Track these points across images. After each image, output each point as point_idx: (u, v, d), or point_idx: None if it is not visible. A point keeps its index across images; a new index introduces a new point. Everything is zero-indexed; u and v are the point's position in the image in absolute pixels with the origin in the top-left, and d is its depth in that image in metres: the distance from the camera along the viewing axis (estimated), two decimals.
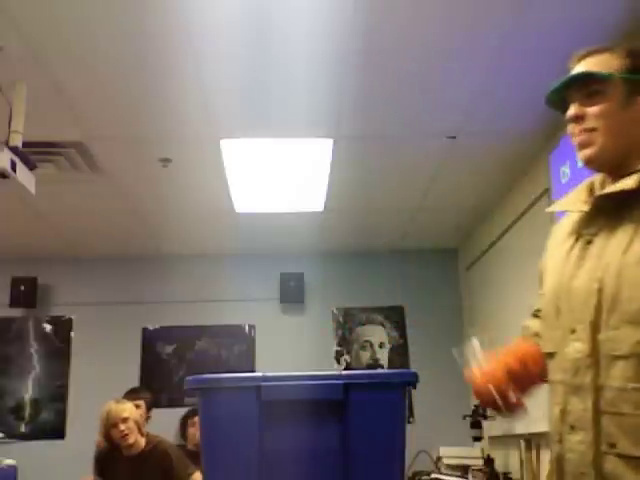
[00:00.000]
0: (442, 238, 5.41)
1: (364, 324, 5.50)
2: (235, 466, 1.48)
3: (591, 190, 1.49)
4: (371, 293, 5.51)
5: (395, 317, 5.50)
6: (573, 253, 1.41)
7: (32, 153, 3.02)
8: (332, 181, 4.17)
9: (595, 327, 1.30)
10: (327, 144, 3.70)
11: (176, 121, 3.42)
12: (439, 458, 4.58)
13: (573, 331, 1.34)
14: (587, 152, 1.40)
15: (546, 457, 3.78)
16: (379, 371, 4.52)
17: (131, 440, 3.58)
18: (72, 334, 5.35)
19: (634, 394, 1.23)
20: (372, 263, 5.56)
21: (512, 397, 1.48)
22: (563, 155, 3.39)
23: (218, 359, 5.34)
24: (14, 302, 5.26)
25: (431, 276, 5.57)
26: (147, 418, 4.40)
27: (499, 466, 4.44)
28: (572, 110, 1.42)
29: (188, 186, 4.21)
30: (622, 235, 1.31)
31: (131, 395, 4.40)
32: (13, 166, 2.62)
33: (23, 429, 5.15)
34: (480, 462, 4.45)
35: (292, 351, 5.22)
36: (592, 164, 1.43)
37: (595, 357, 1.30)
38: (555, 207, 1.58)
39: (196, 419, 4.25)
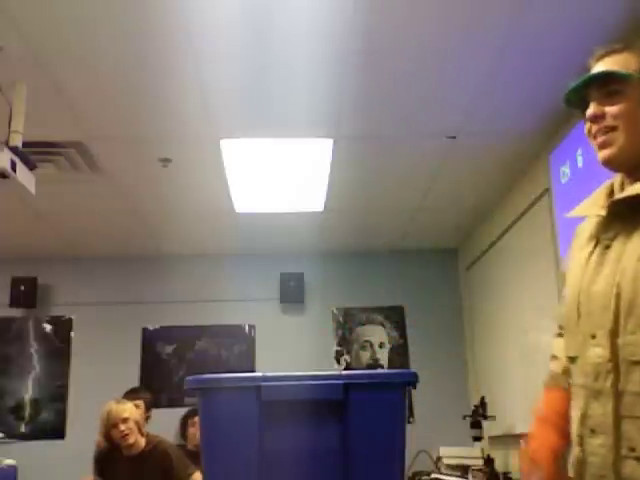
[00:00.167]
0: (442, 238, 5.41)
1: (364, 324, 5.50)
2: (235, 466, 1.48)
3: (610, 193, 1.49)
4: (371, 293, 5.51)
5: (395, 317, 5.50)
6: (592, 258, 1.42)
7: (32, 153, 3.02)
8: (332, 181, 4.17)
9: (614, 332, 1.31)
10: (327, 144, 3.70)
11: (176, 121, 3.42)
12: (439, 458, 4.59)
13: (593, 336, 1.35)
14: (606, 152, 1.40)
15: None
16: (379, 371, 4.52)
17: (131, 440, 3.58)
18: (72, 334, 5.35)
19: None
20: (372, 263, 5.56)
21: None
22: (563, 155, 3.39)
23: (218, 359, 5.34)
24: (14, 302, 5.26)
25: (431, 276, 5.57)
26: (147, 418, 4.40)
27: (499, 466, 4.44)
28: (591, 109, 1.41)
29: (188, 186, 4.21)
30: (638, 240, 1.32)
31: (131, 395, 4.40)
32: (13, 166, 2.62)
33: (23, 429, 5.15)
34: (480, 462, 4.45)
35: (292, 351, 5.22)
36: (611, 164, 1.42)
37: (615, 362, 1.30)
38: (574, 212, 1.57)
39: (196, 419, 4.26)
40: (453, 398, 5.16)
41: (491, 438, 4.76)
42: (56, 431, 5.14)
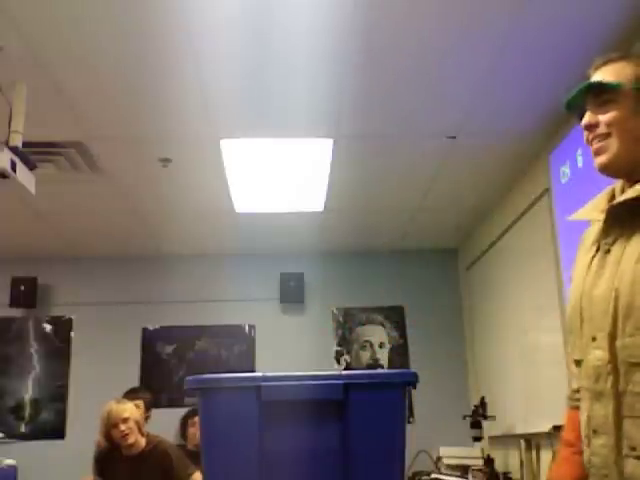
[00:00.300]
0: (442, 238, 5.41)
1: (364, 324, 5.50)
2: (235, 466, 1.48)
3: (611, 198, 1.51)
4: (371, 293, 5.51)
5: (395, 317, 5.50)
6: (594, 263, 1.44)
7: (32, 153, 3.02)
8: (332, 181, 4.17)
9: (613, 335, 1.34)
10: (327, 144, 3.70)
11: (176, 121, 3.42)
12: (439, 458, 4.59)
13: (594, 339, 1.38)
14: (601, 159, 1.43)
15: (546, 457, 3.79)
16: (379, 371, 4.51)
17: (131, 440, 3.58)
18: (72, 334, 5.36)
19: None
20: (372, 263, 5.56)
21: None
22: (563, 155, 3.39)
23: (218, 359, 5.34)
24: (14, 302, 5.26)
25: (431, 276, 5.57)
26: (146, 418, 4.40)
27: (499, 466, 4.44)
28: (586, 118, 1.46)
29: (188, 186, 4.21)
30: (636, 243, 1.34)
31: (130, 395, 4.40)
32: (13, 166, 2.61)
33: (23, 429, 5.15)
34: (480, 462, 4.45)
35: (292, 351, 5.23)
36: (607, 170, 1.45)
37: (614, 364, 1.33)
38: (575, 215, 1.59)
39: (196, 419, 4.26)
40: (453, 398, 5.16)
41: (491, 438, 4.76)
42: (56, 431, 5.14)
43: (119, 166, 3.91)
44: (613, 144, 1.41)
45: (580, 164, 3.19)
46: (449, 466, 4.50)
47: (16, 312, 5.33)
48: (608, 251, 1.41)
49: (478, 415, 4.55)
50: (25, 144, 2.74)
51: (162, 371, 5.30)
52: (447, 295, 5.54)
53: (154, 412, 4.65)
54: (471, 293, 5.31)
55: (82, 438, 4.42)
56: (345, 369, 5.26)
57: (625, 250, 1.36)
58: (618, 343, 1.33)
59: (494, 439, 4.74)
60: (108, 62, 2.90)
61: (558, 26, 2.77)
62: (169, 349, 5.36)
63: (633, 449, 1.29)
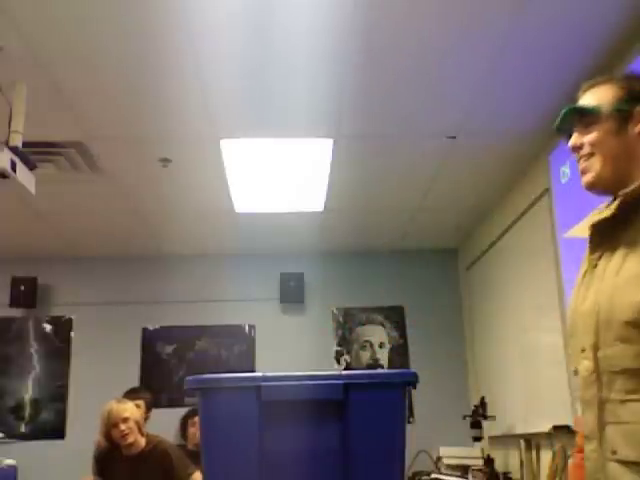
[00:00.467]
0: (442, 238, 5.41)
1: (364, 324, 5.50)
2: (235, 466, 1.49)
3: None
4: (371, 293, 5.51)
5: (395, 317, 5.50)
6: (585, 278, 1.53)
7: (32, 153, 3.02)
8: (332, 181, 4.17)
9: (596, 346, 1.42)
10: (327, 144, 3.70)
11: (176, 121, 3.42)
12: (439, 458, 4.59)
13: (583, 350, 1.46)
14: (587, 178, 1.51)
15: (546, 457, 3.79)
16: (379, 371, 4.51)
17: (131, 440, 3.58)
18: (72, 334, 5.36)
19: (634, 405, 1.34)
20: (372, 263, 5.56)
21: None
22: (563, 155, 3.39)
23: (218, 359, 5.34)
24: (14, 302, 5.26)
25: (431, 276, 5.57)
26: (145, 418, 4.40)
27: (499, 466, 4.44)
28: (571, 140, 1.54)
29: (188, 186, 4.21)
30: (617, 258, 1.43)
31: (131, 395, 4.40)
32: (13, 166, 2.61)
33: (23, 429, 5.15)
34: (480, 462, 4.45)
35: (292, 351, 5.23)
36: (593, 189, 1.53)
37: (598, 373, 1.42)
38: (570, 233, 1.66)
39: (196, 419, 4.25)
40: (453, 398, 5.16)
41: (491, 438, 4.76)
42: (56, 431, 5.14)
43: (119, 166, 3.91)
44: (596, 163, 1.48)
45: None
46: (449, 466, 4.50)
47: (16, 312, 5.33)
48: (595, 266, 1.49)
49: (478, 415, 4.55)
50: (25, 144, 2.75)
51: (162, 371, 5.30)
52: (447, 295, 5.54)
53: (154, 412, 4.65)
54: (471, 293, 5.31)
55: (82, 438, 4.42)
56: (345, 369, 5.26)
57: (608, 265, 1.44)
58: (600, 354, 1.41)
59: (494, 439, 4.74)
60: (108, 62, 2.90)
61: (558, 26, 2.77)
62: (169, 349, 5.36)
63: (614, 453, 1.36)
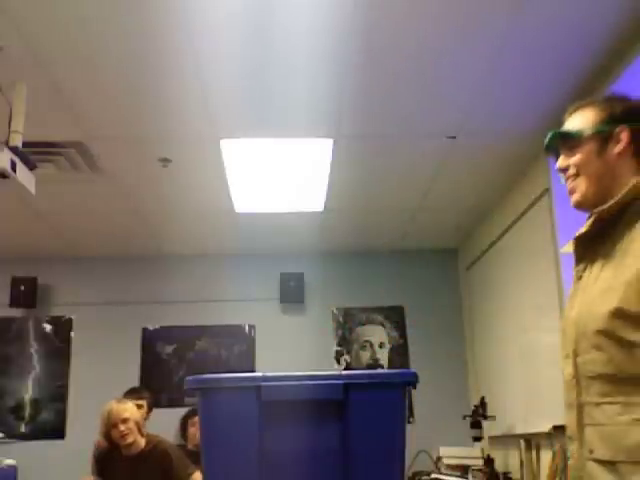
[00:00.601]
0: (442, 238, 5.41)
1: (364, 324, 5.50)
2: (235, 466, 1.49)
3: None
4: (371, 293, 5.51)
5: (395, 317, 5.50)
6: (573, 288, 1.64)
7: (32, 153, 3.02)
8: (332, 181, 4.17)
9: (576, 352, 1.54)
10: (327, 144, 3.70)
11: (176, 121, 3.42)
12: (439, 458, 4.59)
13: (567, 356, 1.58)
14: (574, 198, 1.61)
15: (546, 457, 3.79)
16: (379, 371, 4.51)
17: (130, 440, 3.59)
18: (72, 334, 5.36)
19: (610, 407, 1.45)
20: (372, 263, 5.56)
21: None
22: None
23: (218, 359, 5.34)
24: (14, 302, 5.26)
25: (431, 276, 5.57)
26: (146, 418, 4.40)
27: (499, 466, 4.44)
28: (557, 163, 1.65)
29: (188, 186, 4.21)
30: (595, 270, 1.55)
31: (133, 395, 4.40)
32: (13, 166, 2.61)
33: (23, 429, 5.15)
34: (480, 462, 4.45)
35: (292, 351, 5.23)
36: (581, 207, 1.62)
37: (577, 378, 1.53)
38: (564, 249, 1.75)
39: (196, 419, 4.25)
40: (453, 398, 5.16)
41: (491, 438, 4.76)
42: (56, 431, 5.14)
43: (119, 166, 3.91)
44: (582, 184, 1.58)
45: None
46: (449, 466, 4.50)
47: (16, 312, 5.33)
48: (580, 277, 1.60)
49: (478, 415, 4.55)
50: (25, 144, 2.74)
51: (162, 371, 5.30)
52: (447, 295, 5.54)
53: (154, 412, 4.65)
54: (471, 293, 5.31)
55: (82, 438, 4.42)
56: (345, 369, 5.26)
57: (589, 277, 1.56)
58: (579, 360, 1.52)
59: (494, 439, 4.74)
60: (108, 62, 2.90)
61: (557, 26, 2.77)
62: (169, 349, 5.36)
63: (591, 452, 1.47)
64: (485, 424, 4.56)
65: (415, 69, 3.03)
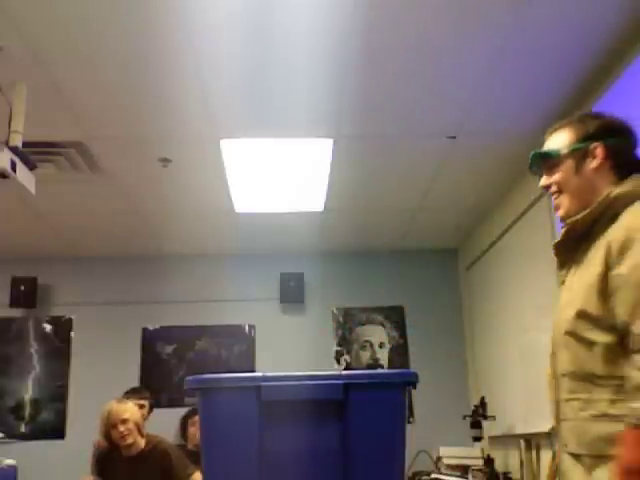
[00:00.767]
0: (442, 238, 5.41)
1: (364, 324, 5.50)
2: (235, 466, 1.49)
3: None
4: (371, 293, 5.51)
5: (395, 317, 5.50)
6: (560, 293, 1.76)
7: (32, 153, 3.02)
8: (332, 181, 4.17)
9: (554, 353, 1.67)
10: (327, 144, 3.70)
11: (176, 121, 3.42)
12: (439, 458, 4.58)
13: (550, 356, 1.71)
14: (559, 213, 1.74)
15: (546, 457, 3.79)
16: (379, 371, 4.51)
17: (129, 441, 3.58)
18: (72, 334, 5.35)
19: (573, 403, 1.56)
20: (372, 263, 5.56)
21: None
22: None
23: (218, 359, 5.34)
24: (14, 302, 5.26)
25: (431, 276, 5.57)
26: (145, 418, 4.39)
27: (499, 466, 4.44)
28: (540, 182, 1.77)
29: (188, 186, 4.21)
30: (570, 276, 1.69)
31: (134, 395, 4.40)
32: (13, 166, 2.61)
33: (23, 429, 5.14)
34: (480, 462, 4.45)
35: (292, 351, 5.22)
36: (566, 220, 1.74)
37: (553, 376, 1.67)
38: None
39: (196, 419, 4.26)
40: (453, 398, 5.16)
41: (491, 438, 4.76)
42: (56, 431, 5.14)
43: (119, 166, 3.91)
44: (565, 200, 1.71)
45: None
46: (449, 466, 4.50)
47: (16, 312, 5.33)
48: (563, 282, 1.73)
49: (478, 415, 4.55)
50: (25, 144, 2.74)
51: (162, 371, 5.30)
52: (447, 295, 5.54)
53: (154, 412, 4.65)
54: (471, 293, 5.30)
55: (82, 438, 4.42)
56: (345, 369, 5.26)
57: (569, 281, 1.69)
58: (555, 359, 1.66)
59: (494, 439, 4.74)
60: (108, 62, 2.90)
61: (558, 26, 2.77)
62: (169, 349, 5.36)
63: (565, 446, 1.60)
64: (485, 424, 4.56)
65: (415, 69, 3.03)
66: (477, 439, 4.55)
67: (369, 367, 5.34)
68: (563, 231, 1.70)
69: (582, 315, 1.55)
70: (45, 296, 5.39)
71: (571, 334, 1.57)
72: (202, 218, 4.78)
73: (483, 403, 4.57)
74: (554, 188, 1.73)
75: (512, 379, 4.37)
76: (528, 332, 4.08)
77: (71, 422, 5.15)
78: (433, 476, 4.32)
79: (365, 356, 5.45)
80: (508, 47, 2.88)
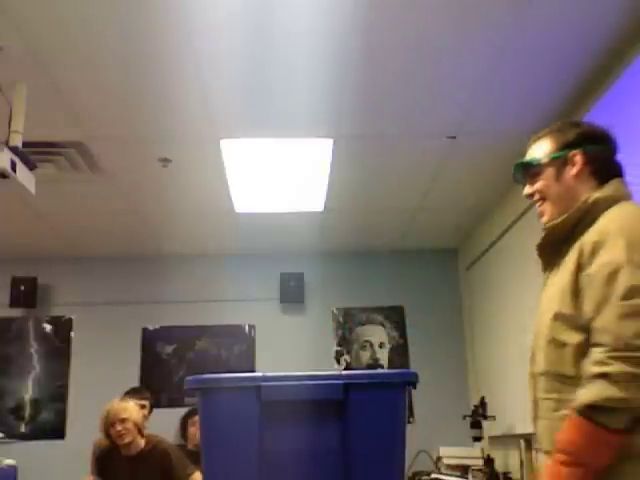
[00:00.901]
0: (442, 238, 5.41)
1: (364, 324, 5.50)
2: (235, 466, 1.49)
3: None
4: (371, 293, 5.51)
5: (395, 317, 5.50)
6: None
7: (32, 153, 3.02)
8: (332, 181, 4.17)
9: (533, 353, 1.71)
10: (327, 144, 3.70)
11: (176, 121, 3.42)
12: (439, 458, 4.59)
13: (533, 355, 1.73)
14: (544, 220, 1.77)
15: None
16: (379, 371, 4.51)
17: (127, 440, 3.59)
18: (72, 334, 5.35)
19: (547, 402, 1.60)
20: (372, 263, 5.56)
21: None
22: None
23: (218, 359, 5.34)
24: (14, 302, 5.26)
25: (431, 276, 5.57)
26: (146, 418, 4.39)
27: (499, 466, 4.44)
28: (524, 191, 1.83)
29: (188, 186, 4.21)
30: (552, 276, 1.71)
31: (135, 395, 4.40)
32: (13, 166, 2.61)
33: (23, 429, 5.14)
34: (480, 462, 4.45)
35: (292, 351, 5.22)
36: None
37: (532, 376, 1.70)
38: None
39: (196, 419, 4.25)
40: (453, 398, 5.16)
41: (491, 438, 4.76)
42: (56, 431, 5.14)
43: (119, 166, 3.91)
44: (548, 207, 1.75)
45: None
46: (449, 466, 4.50)
47: (16, 312, 5.33)
48: (545, 284, 1.75)
49: (478, 415, 4.55)
50: (25, 144, 2.74)
51: (162, 371, 5.30)
52: (447, 295, 5.54)
53: (154, 412, 4.65)
54: (471, 293, 5.30)
55: (82, 438, 4.42)
56: (345, 369, 5.26)
57: (549, 282, 1.71)
58: (533, 359, 1.69)
59: (494, 439, 4.74)
60: (108, 62, 2.90)
61: (558, 26, 2.77)
62: (169, 349, 5.36)
63: (540, 443, 1.65)
64: (485, 424, 4.56)
65: (415, 69, 3.03)
66: (477, 439, 4.55)
67: (369, 367, 5.34)
68: (543, 235, 1.74)
69: (558, 317, 1.59)
70: (45, 296, 5.39)
71: (546, 335, 1.62)
72: (202, 218, 4.78)
73: (483, 403, 4.57)
74: (537, 196, 1.78)
75: (512, 379, 4.37)
76: (528, 332, 4.07)
77: (71, 422, 5.14)
78: (433, 476, 4.32)
79: (365, 356, 5.45)
80: (508, 47, 2.88)
